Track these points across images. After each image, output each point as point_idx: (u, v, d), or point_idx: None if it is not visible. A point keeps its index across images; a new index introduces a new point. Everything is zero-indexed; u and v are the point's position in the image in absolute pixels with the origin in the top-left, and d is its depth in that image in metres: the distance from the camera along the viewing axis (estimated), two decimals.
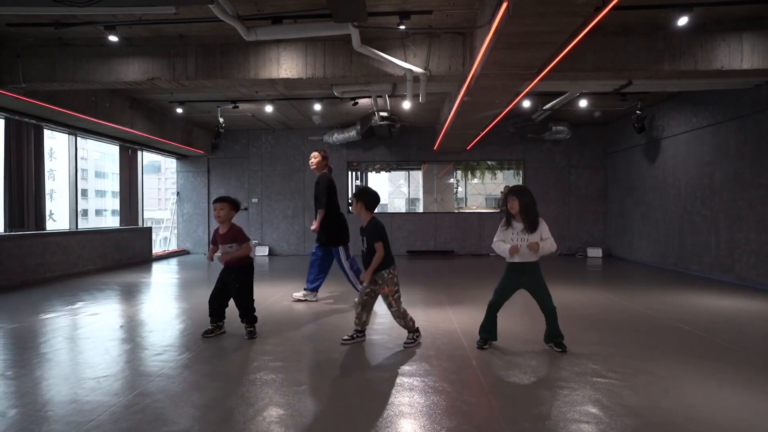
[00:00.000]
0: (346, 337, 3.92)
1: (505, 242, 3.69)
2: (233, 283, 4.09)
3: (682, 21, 5.13)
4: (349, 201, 12.30)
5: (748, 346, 3.91)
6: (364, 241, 3.79)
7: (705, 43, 5.71)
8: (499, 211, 12.44)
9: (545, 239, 3.63)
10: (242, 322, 4.16)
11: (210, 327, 4.18)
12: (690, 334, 4.28)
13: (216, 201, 4.14)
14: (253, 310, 4.17)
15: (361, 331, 3.95)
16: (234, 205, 4.16)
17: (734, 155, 7.20)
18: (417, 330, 3.92)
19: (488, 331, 3.80)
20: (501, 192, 12.78)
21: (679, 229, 8.55)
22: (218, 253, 4.12)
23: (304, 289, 5.75)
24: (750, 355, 3.68)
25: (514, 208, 3.65)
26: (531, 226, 3.61)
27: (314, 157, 5.68)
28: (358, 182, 14.21)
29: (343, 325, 4.55)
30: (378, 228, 3.76)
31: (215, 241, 4.15)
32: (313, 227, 5.48)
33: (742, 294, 6.21)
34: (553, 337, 3.75)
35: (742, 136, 7.06)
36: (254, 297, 4.21)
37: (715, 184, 7.60)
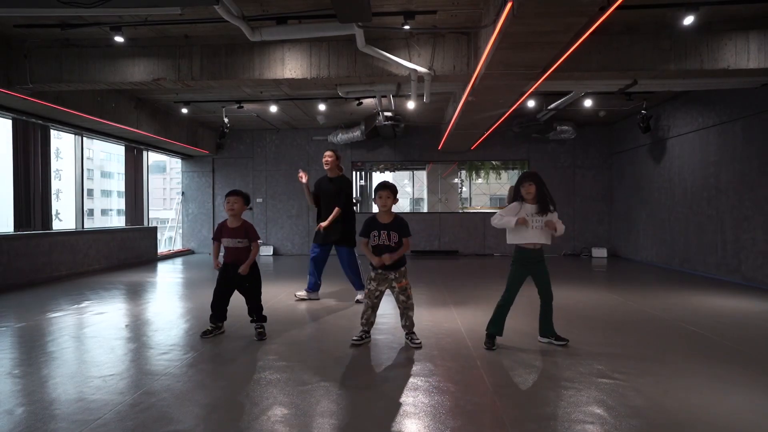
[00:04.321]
0: (355, 338, 3.92)
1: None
2: (243, 284, 4.09)
3: (688, 20, 5.10)
4: (357, 199, 12.32)
5: (753, 346, 3.89)
6: (387, 236, 3.78)
7: (711, 42, 5.67)
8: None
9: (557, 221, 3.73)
10: (252, 321, 4.15)
11: (209, 327, 4.17)
12: (695, 334, 4.26)
13: (230, 194, 4.09)
14: (262, 308, 4.18)
15: (367, 331, 3.96)
16: (246, 200, 4.17)
17: (740, 155, 7.15)
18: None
19: (498, 326, 3.78)
20: (509, 190, 12.75)
21: (685, 230, 8.51)
22: (221, 254, 4.13)
23: (306, 290, 5.83)
24: (756, 355, 3.66)
25: (530, 193, 3.72)
26: (544, 209, 3.71)
27: (329, 156, 5.58)
28: (362, 182, 14.22)
29: (346, 324, 4.56)
30: (406, 224, 3.88)
31: (220, 235, 4.09)
32: (324, 224, 5.47)
33: (748, 295, 6.17)
34: (548, 330, 3.85)
35: (748, 135, 7.01)
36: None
37: (721, 184, 7.55)
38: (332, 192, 5.57)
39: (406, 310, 3.88)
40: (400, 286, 3.84)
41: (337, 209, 5.46)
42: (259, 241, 4.20)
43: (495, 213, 3.89)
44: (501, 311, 3.79)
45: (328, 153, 5.63)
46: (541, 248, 3.78)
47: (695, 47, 5.69)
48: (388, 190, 3.83)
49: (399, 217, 3.88)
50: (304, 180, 5.58)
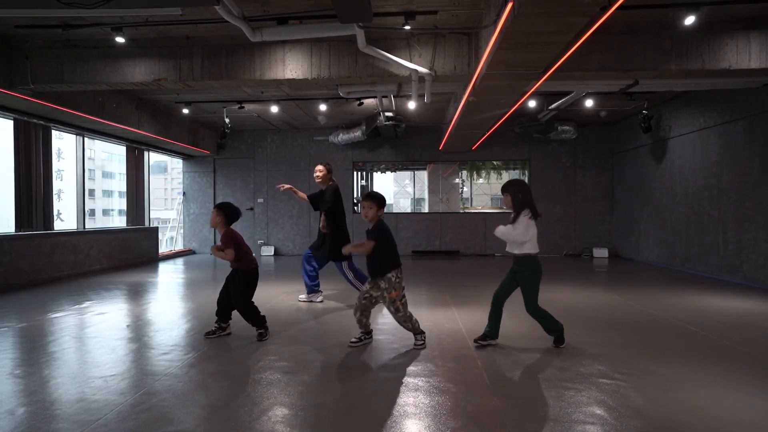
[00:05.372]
0: (353, 340, 3.90)
1: None
2: (232, 287, 4.09)
3: (689, 20, 5.10)
4: (358, 199, 12.34)
5: (754, 347, 3.88)
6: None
7: (712, 42, 5.67)
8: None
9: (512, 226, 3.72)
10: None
11: (213, 328, 4.19)
12: (696, 335, 4.25)
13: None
14: (255, 312, 4.10)
15: (367, 333, 3.95)
16: (224, 212, 4.06)
17: (742, 155, 7.14)
18: (423, 332, 3.90)
19: (490, 325, 3.82)
20: None
21: (686, 230, 8.50)
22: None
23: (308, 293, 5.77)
24: (757, 356, 3.65)
25: (507, 204, 3.83)
26: (515, 219, 3.75)
27: (320, 171, 5.55)
28: (363, 182, 14.22)
29: (348, 324, 4.56)
30: (380, 228, 3.74)
31: None
32: (321, 225, 5.49)
33: (749, 295, 6.16)
34: (551, 330, 3.81)
35: (749, 135, 7.00)
36: (258, 298, 4.18)
37: (723, 184, 7.54)
38: (323, 204, 5.57)
39: (399, 322, 3.82)
40: (390, 297, 3.72)
41: (323, 220, 5.46)
42: (259, 242, 4.18)
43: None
44: (494, 302, 3.82)
45: (318, 167, 5.59)
46: (519, 257, 3.72)
47: (696, 47, 5.69)
48: (370, 201, 3.78)
49: (377, 223, 3.79)
50: (284, 188, 5.65)
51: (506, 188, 3.81)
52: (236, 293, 4.05)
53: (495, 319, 3.82)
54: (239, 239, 4.10)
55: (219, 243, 4.08)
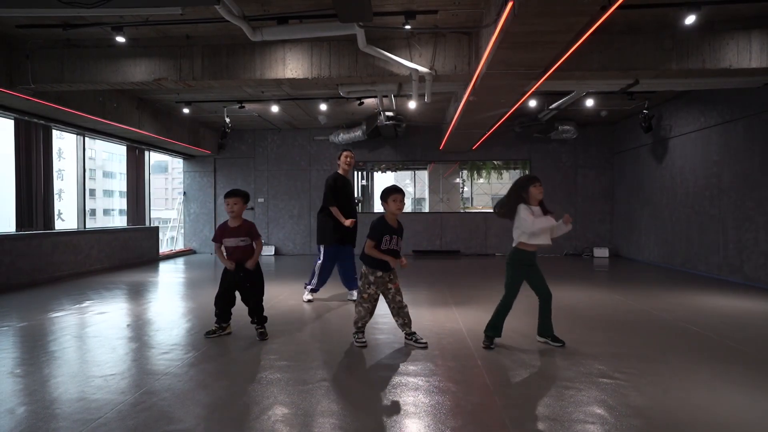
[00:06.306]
0: (363, 341, 3.89)
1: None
2: (244, 284, 4.07)
3: (690, 20, 5.10)
4: (359, 199, 12.34)
5: (755, 347, 3.88)
6: (397, 241, 3.82)
7: (713, 41, 5.66)
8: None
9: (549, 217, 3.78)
10: (253, 322, 4.15)
11: (213, 328, 4.18)
12: (697, 334, 4.25)
13: (229, 195, 4.07)
14: (263, 309, 4.17)
15: (362, 331, 3.97)
16: (246, 199, 4.20)
17: (742, 155, 7.14)
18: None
19: (496, 328, 3.81)
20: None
21: (687, 229, 8.49)
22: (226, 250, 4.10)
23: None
24: (757, 355, 3.65)
25: (541, 194, 3.77)
26: (546, 210, 3.79)
27: (352, 157, 5.63)
28: (364, 182, 14.23)
29: (348, 324, 4.56)
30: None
31: (222, 236, 4.05)
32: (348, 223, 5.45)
33: (750, 294, 6.16)
34: (547, 330, 3.85)
35: (750, 135, 7.00)
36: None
37: (723, 183, 7.54)
38: (351, 192, 5.68)
39: (401, 309, 3.86)
40: (396, 287, 3.84)
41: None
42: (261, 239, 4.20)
43: (522, 221, 3.70)
44: (501, 315, 3.80)
45: (351, 153, 5.62)
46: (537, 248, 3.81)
47: (697, 47, 5.68)
48: (403, 194, 3.87)
49: (399, 221, 3.94)
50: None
51: (539, 179, 3.82)
52: (257, 288, 4.11)
53: (502, 324, 3.84)
54: None
55: (230, 242, 4.04)
